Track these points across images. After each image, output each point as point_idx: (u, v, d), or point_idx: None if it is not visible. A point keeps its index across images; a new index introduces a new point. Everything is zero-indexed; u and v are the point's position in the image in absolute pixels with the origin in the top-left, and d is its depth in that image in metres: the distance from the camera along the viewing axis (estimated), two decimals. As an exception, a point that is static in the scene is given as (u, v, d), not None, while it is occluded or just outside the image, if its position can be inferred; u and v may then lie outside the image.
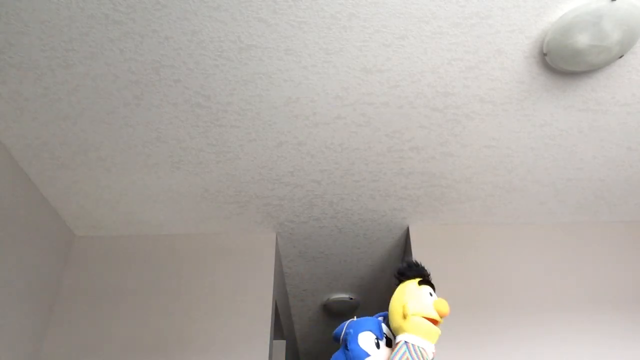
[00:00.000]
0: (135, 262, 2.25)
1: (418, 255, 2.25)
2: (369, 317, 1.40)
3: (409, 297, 1.35)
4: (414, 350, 1.28)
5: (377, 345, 1.32)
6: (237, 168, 1.96)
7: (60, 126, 1.74)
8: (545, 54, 1.51)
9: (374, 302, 3.12)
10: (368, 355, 1.30)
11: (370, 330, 1.35)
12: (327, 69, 1.56)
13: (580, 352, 1.98)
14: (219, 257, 2.28)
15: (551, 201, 2.20)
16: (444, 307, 1.32)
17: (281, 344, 2.93)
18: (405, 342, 1.28)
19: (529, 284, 2.16)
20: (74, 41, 1.45)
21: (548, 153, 1.92)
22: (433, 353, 1.32)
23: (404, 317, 1.31)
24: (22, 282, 1.91)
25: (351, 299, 3.03)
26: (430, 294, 1.35)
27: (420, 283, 1.38)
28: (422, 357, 1.27)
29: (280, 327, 2.78)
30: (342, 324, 1.41)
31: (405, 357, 1.25)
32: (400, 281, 1.42)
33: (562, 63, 1.53)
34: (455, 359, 1.97)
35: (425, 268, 1.43)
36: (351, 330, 1.34)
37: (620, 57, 1.51)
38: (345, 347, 1.33)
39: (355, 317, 1.42)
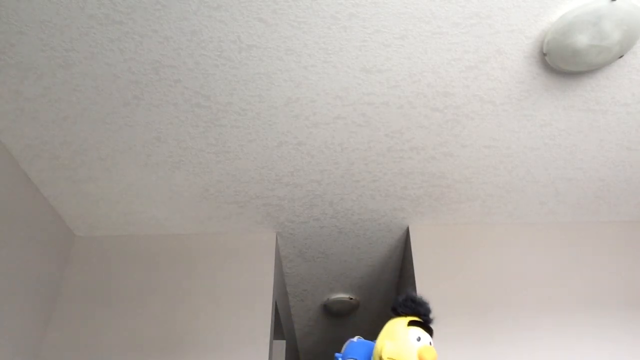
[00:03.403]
0: (135, 262, 2.25)
1: (418, 255, 2.25)
2: (365, 342, 1.32)
3: (391, 337, 1.23)
4: None
5: None
6: (237, 168, 1.96)
7: (60, 126, 1.74)
8: (545, 54, 1.51)
9: (374, 302, 3.12)
10: None
11: (356, 359, 1.27)
12: (327, 69, 1.56)
13: (581, 352, 1.98)
14: (218, 257, 2.28)
15: (551, 201, 2.20)
16: (429, 355, 1.17)
17: (281, 344, 2.93)
18: None
19: (529, 284, 2.16)
20: (74, 41, 1.45)
21: (548, 153, 1.92)
22: None
23: (380, 359, 1.21)
24: (22, 282, 1.91)
25: (351, 299, 3.03)
26: (419, 339, 1.21)
27: (410, 323, 1.24)
28: None
29: (280, 327, 2.78)
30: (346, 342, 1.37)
31: None
32: (394, 315, 1.29)
33: (562, 63, 1.53)
34: (455, 358, 1.97)
35: (426, 308, 1.26)
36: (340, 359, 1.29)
37: (620, 57, 1.51)
38: None
39: (356, 338, 1.35)
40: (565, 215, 2.29)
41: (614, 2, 1.35)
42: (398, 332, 1.23)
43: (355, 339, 1.35)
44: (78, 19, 1.39)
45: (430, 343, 1.22)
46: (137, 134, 1.78)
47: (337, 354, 1.31)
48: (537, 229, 2.32)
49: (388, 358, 1.19)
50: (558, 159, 1.95)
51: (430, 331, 1.24)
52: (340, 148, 1.88)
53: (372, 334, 3.56)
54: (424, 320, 1.25)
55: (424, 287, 2.16)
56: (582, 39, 1.44)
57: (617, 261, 2.21)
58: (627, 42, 1.45)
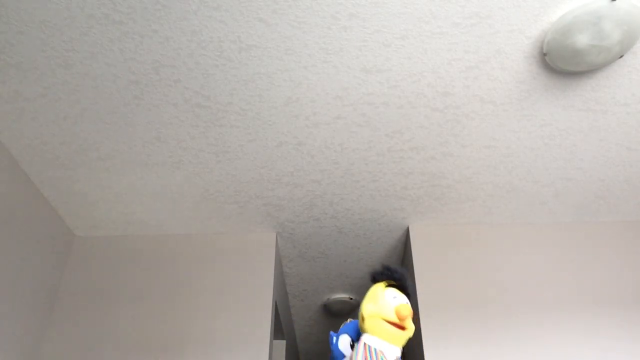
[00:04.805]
0: (135, 262, 2.25)
1: (418, 255, 2.25)
2: (356, 322, 1.45)
3: (370, 299, 1.35)
4: (369, 351, 1.28)
5: (352, 347, 1.39)
6: (237, 168, 1.96)
7: (60, 126, 1.74)
8: (545, 54, 1.51)
9: (374, 302, 3.11)
10: (344, 356, 1.38)
11: (347, 333, 1.41)
12: (327, 69, 1.56)
13: (580, 352, 1.98)
14: (219, 257, 2.28)
15: (551, 201, 2.19)
16: (404, 310, 1.29)
17: (281, 344, 2.93)
18: (364, 343, 1.30)
19: (529, 284, 2.16)
20: (74, 41, 1.45)
21: (548, 153, 1.92)
22: (397, 357, 1.30)
23: (362, 318, 1.33)
24: (22, 282, 1.91)
25: (351, 299, 3.03)
26: (395, 297, 1.33)
27: (387, 286, 1.37)
28: (378, 359, 1.26)
29: (280, 327, 2.78)
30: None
31: (362, 357, 1.27)
32: (373, 283, 1.43)
33: (562, 63, 1.53)
34: (455, 358, 1.97)
35: (400, 273, 1.39)
36: (334, 338, 1.43)
37: (620, 57, 1.51)
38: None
39: (350, 319, 1.49)
40: (565, 215, 2.29)
41: (614, 2, 1.35)
42: (377, 294, 1.36)
43: (348, 320, 1.49)
44: (78, 19, 1.39)
45: (406, 302, 1.35)
46: (137, 134, 1.78)
47: (331, 333, 1.45)
48: (537, 229, 2.32)
49: (368, 315, 1.32)
50: (558, 159, 1.95)
51: (407, 295, 1.39)
52: (340, 148, 1.88)
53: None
54: (399, 283, 1.40)
55: (424, 287, 2.16)
56: (582, 39, 1.44)
57: (617, 261, 2.21)
58: (627, 42, 1.45)
